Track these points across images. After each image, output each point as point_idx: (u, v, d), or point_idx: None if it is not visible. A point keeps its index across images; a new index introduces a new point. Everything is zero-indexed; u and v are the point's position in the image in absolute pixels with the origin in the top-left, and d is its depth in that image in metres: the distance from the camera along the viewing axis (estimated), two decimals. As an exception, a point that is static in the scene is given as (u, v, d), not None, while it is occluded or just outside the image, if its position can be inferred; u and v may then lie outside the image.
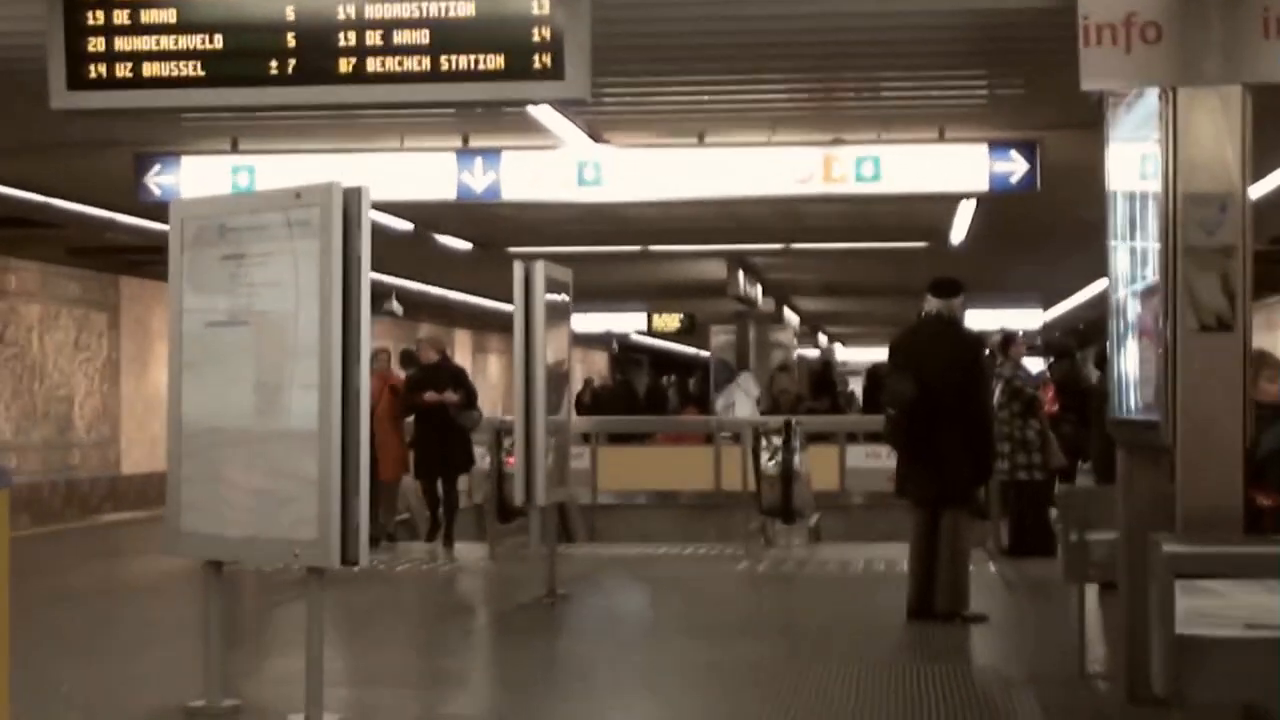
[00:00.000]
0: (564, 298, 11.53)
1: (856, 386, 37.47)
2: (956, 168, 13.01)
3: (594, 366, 51.48)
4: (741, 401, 23.55)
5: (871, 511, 19.49)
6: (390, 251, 23.63)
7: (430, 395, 15.50)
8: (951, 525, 10.38)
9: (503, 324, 44.10)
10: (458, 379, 16.03)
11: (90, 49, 7.10)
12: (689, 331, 38.12)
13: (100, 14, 7.14)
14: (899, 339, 11.12)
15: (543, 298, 10.74)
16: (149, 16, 7.04)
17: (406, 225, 18.86)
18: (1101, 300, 9.69)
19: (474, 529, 16.76)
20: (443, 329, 40.54)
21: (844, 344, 52.78)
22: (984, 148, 12.92)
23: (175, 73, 7.02)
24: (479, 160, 13.24)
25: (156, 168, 13.41)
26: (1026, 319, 32.02)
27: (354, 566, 6.90)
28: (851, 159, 13.01)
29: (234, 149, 13.35)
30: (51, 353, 21.09)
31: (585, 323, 37.63)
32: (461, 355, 43.44)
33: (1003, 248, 21.81)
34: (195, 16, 7.12)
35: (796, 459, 15.60)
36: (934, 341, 10.51)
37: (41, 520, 19.48)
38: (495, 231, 20.52)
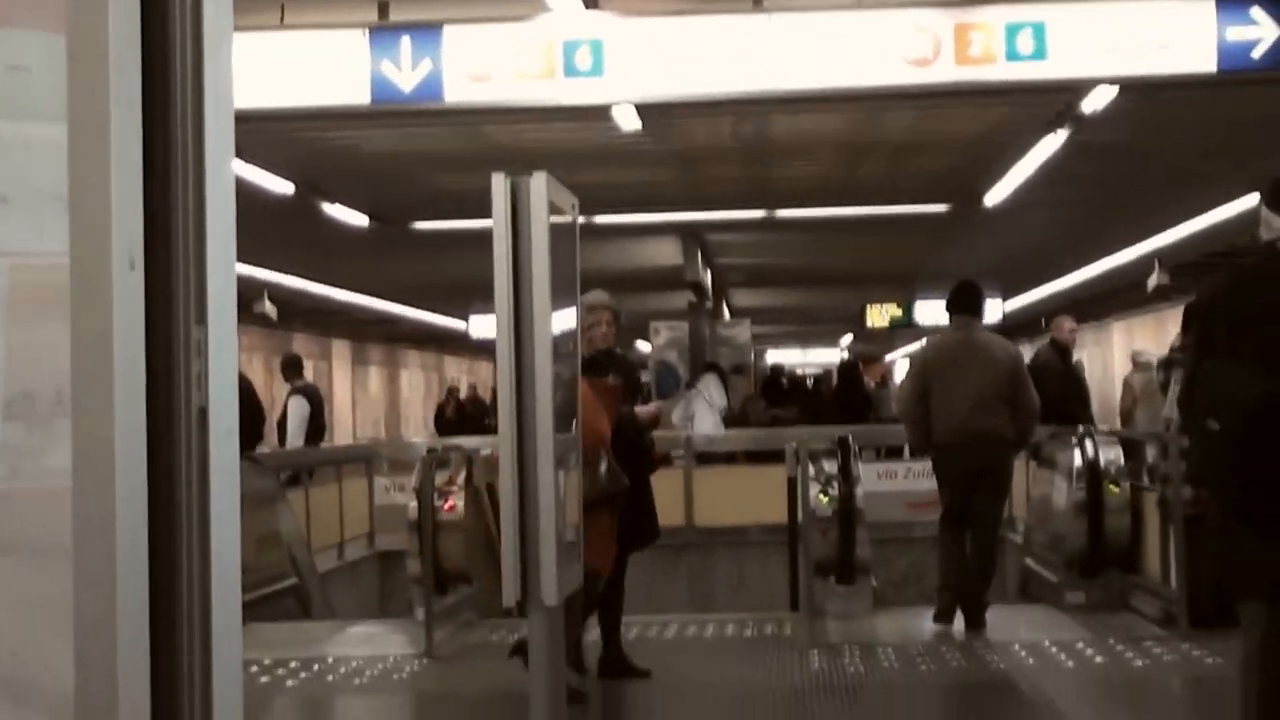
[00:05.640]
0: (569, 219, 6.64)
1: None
2: (1162, 37, 8.29)
3: (480, 377, 47.08)
4: (703, 413, 18.92)
5: (888, 548, 15.31)
6: (261, 231, 18.61)
7: (647, 409, 8.75)
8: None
9: (387, 333, 39.17)
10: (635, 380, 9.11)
11: None
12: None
13: None
14: (1215, 291, 6.08)
15: (545, 224, 5.88)
16: None
17: (286, 186, 14.10)
18: None
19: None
20: (317, 339, 35.74)
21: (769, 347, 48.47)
22: (1209, 5, 8.21)
23: None
24: (406, 40, 8.32)
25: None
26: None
27: None
28: (999, 26, 8.26)
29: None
30: None
31: (483, 327, 32.43)
32: (340, 371, 38.76)
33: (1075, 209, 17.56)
34: None
35: (859, 492, 10.99)
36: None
37: None
38: (395, 197, 15.75)
